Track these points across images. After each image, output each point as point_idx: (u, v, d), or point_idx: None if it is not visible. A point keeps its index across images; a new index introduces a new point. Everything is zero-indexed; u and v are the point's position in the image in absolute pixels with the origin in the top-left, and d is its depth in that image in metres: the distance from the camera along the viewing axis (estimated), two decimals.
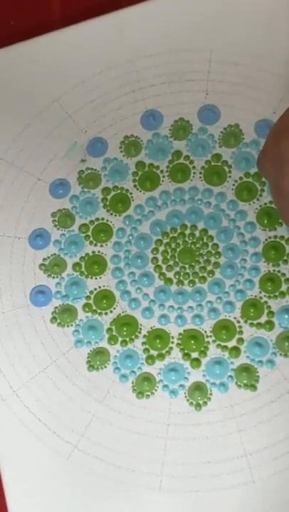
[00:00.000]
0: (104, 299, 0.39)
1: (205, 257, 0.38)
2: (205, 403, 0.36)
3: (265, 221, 0.38)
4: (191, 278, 0.38)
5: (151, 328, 0.38)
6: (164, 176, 0.40)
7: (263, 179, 0.38)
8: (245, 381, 0.36)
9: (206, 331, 0.37)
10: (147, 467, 0.36)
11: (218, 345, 0.37)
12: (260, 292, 0.37)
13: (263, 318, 0.37)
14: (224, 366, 0.36)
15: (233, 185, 0.39)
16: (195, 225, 0.39)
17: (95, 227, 0.40)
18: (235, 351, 0.37)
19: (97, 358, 0.38)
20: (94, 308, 0.39)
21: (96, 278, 0.39)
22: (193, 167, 0.40)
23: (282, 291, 0.37)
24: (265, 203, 0.38)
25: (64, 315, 0.39)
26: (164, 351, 0.37)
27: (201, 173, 0.39)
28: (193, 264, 0.38)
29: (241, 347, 0.37)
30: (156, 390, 0.37)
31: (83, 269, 0.39)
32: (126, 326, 0.38)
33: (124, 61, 0.41)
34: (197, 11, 0.41)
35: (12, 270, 0.40)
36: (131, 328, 0.38)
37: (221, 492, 0.35)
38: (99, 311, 0.38)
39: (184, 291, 0.38)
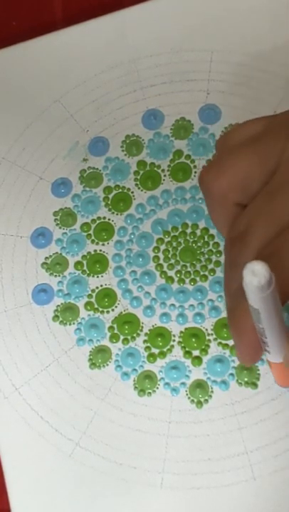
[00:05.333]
0: (105, 297, 0.39)
1: (206, 256, 0.38)
2: (206, 401, 0.36)
3: None
4: (192, 276, 0.38)
5: (153, 326, 0.38)
6: (165, 175, 0.40)
7: None
8: (246, 379, 0.36)
9: (207, 329, 0.37)
10: (149, 464, 0.36)
11: (219, 344, 0.37)
12: None
13: None
14: (225, 364, 0.37)
15: None
16: (196, 224, 0.39)
17: (96, 226, 0.40)
18: None
19: (99, 356, 0.38)
20: (96, 306, 0.39)
21: (98, 276, 0.39)
22: (194, 166, 0.40)
23: None
24: None
25: (66, 313, 0.39)
26: (165, 349, 0.37)
27: None
28: (194, 262, 0.38)
29: None
30: (157, 388, 0.37)
31: (85, 268, 0.39)
32: (127, 324, 0.38)
33: (125, 61, 0.42)
34: (198, 12, 0.41)
35: (14, 269, 0.40)
36: (132, 326, 0.38)
37: (222, 489, 0.35)
38: (100, 309, 0.39)
39: (185, 289, 0.38)
